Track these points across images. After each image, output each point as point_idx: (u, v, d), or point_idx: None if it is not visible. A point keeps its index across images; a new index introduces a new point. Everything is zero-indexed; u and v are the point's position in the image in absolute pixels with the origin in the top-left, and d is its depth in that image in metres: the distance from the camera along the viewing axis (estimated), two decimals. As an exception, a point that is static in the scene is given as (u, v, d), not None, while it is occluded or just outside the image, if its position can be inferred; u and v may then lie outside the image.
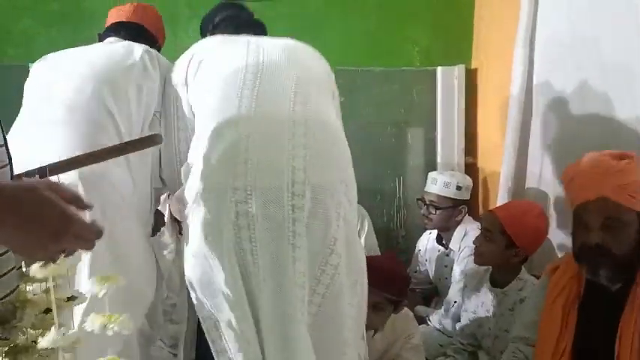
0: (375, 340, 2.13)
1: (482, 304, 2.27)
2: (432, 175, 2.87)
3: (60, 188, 0.85)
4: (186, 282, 1.57)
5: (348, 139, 3.04)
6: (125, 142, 1.45)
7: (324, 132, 1.62)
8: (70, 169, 1.08)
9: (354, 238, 1.66)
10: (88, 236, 0.85)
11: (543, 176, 2.70)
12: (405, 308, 2.26)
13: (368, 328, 2.07)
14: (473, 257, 2.36)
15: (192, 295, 1.56)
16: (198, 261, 1.50)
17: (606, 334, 1.60)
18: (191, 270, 1.54)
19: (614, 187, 1.60)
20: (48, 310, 1.15)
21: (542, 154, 2.71)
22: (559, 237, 2.42)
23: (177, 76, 1.75)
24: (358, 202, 2.83)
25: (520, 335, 1.88)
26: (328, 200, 1.52)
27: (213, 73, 1.66)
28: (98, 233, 0.86)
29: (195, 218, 1.49)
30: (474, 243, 2.27)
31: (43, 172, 1.01)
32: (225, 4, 2.03)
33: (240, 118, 1.53)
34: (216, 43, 1.78)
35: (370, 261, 2.05)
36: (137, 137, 1.60)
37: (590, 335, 1.66)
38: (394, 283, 2.03)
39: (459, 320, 2.43)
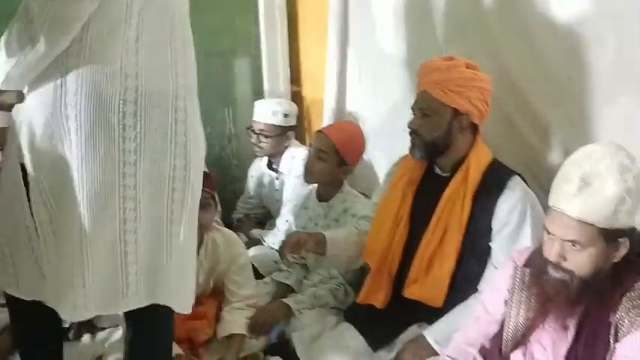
0: (201, 260, 2.21)
1: (310, 218, 2.46)
2: (258, 104, 2.95)
3: None
4: None
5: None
6: None
7: None
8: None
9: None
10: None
11: (361, 98, 2.92)
12: (229, 231, 2.37)
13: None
14: (302, 177, 2.52)
15: None
16: None
17: (432, 210, 1.93)
18: None
19: (431, 82, 1.88)
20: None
21: (360, 77, 2.91)
22: (373, 154, 2.67)
23: None
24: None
25: (363, 214, 2.18)
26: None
27: None
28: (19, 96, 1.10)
29: None
30: (305, 164, 2.41)
31: None
32: None
33: None
34: None
35: None
36: None
37: (422, 211, 1.97)
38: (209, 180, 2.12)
39: (291, 237, 2.60)
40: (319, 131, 2.43)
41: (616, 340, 1.36)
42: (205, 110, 3.20)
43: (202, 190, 1.91)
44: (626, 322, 1.35)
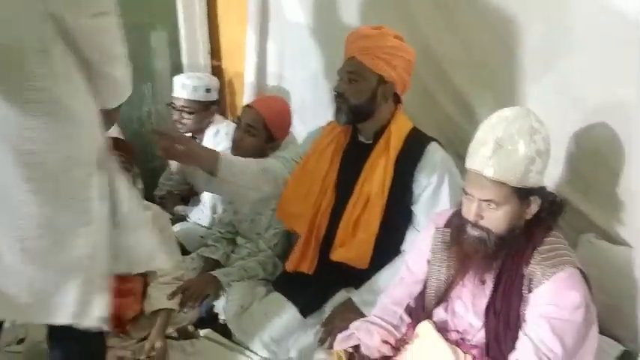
0: None
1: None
2: (179, 79, 2.87)
3: None
4: None
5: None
6: None
7: None
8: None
9: None
10: None
11: (283, 72, 2.93)
12: (150, 203, 2.31)
13: None
14: (227, 152, 2.49)
15: None
16: None
17: (357, 176, 2.00)
18: None
19: (360, 48, 1.92)
20: None
21: (281, 51, 2.91)
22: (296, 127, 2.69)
23: None
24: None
25: (281, 155, 2.20)
26: None
27: None
28: None
29: None
30: (233, 138, 2.39)
31: None
32: None
33: None
34: None
35: None
36: None
37: (347, 178, 2.03)
38: (123, 146, 2.08)
39: (215, 212, 2.59)
40: (248, 106, 2.41)
41: (529, 291, 1.47)
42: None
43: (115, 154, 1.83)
44: (538, 273, 1.46)
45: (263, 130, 2.33)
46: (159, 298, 2.09)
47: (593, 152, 1.93)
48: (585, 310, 1.43)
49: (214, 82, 2.94)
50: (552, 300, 1.43)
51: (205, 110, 2.85)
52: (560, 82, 1.96)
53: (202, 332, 2.11)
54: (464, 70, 2.23)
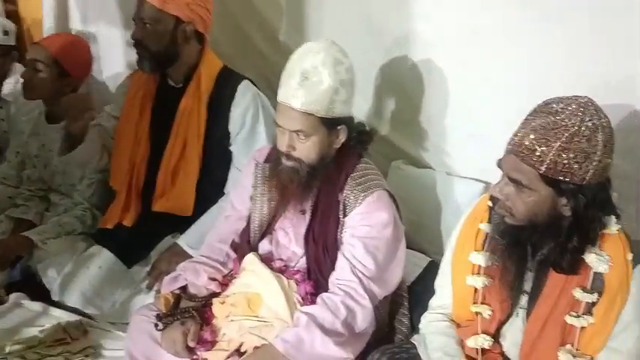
0: None
1: (43, 145, 2.26)
2: (-34, 22, 2.55)
3: None
4: None
5: None
6: None
7: None
8: None
9: None
10: None
11: (88, 14, 2.73)
12: None
13: None
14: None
15: None
16: None
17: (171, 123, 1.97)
18: None
19: None
20: None
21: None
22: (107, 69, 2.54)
23: None
24: None
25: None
26: None
27: None
28: None
29: None
30: (23, 79, 2.17)
31: None
32: None
33: None
34: None
35: None
36: None
37: (161, 125, 1.99)
38: None
39: (24, 169, 2.38)
40: (33, 43, 2.21)
41: (345, 215, 1.56)
42: None
43: None
44: (352, 198, 1.55)
45: (53, 65, 2.15)
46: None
47: (396, 84, 2.07)
48: (394, 227, 1.55)
49: (12, 25, 2.63)
50: (364, 221, 1.53)
51: (4, 56, 2.56)
52: (364, 16, 2.05)
53: (12, 296, 1.95)
54: (275, 6, 2.24)
